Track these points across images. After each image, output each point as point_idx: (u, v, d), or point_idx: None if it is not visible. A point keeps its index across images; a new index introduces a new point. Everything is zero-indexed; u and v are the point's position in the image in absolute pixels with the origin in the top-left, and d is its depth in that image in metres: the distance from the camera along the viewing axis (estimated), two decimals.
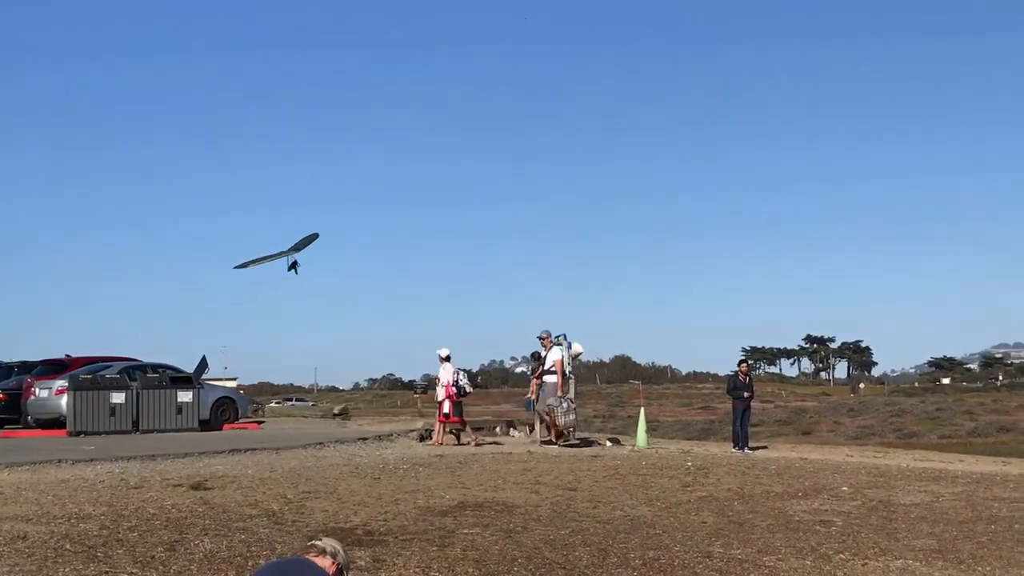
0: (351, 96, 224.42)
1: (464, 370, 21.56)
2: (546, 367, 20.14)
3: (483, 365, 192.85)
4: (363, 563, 8.10)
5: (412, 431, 21.26)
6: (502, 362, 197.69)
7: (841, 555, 8.88)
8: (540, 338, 20.60)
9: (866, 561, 8.65)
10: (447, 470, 14.42)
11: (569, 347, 20.68)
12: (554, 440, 20.19)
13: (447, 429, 20.86)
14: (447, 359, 20.94)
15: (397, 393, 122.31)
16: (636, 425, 22.10)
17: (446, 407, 20.64)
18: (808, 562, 8.56)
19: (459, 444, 20.26)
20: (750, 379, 23.24)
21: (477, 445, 20.26)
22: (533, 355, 21.22)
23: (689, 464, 15.96)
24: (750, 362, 28.53)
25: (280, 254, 27.46)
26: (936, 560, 8.73)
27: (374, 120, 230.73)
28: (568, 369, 20.54)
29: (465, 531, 9.63)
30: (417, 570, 7.96)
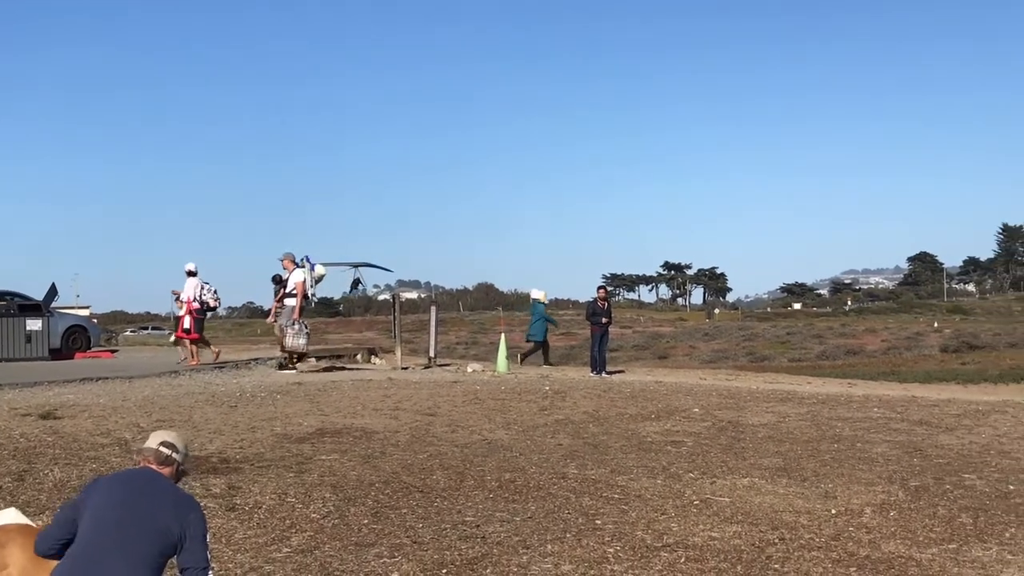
0: None
1: (208, 284, 20.83)
2: (287, 290, 19.69)
3: (345, 293, 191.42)
4: (218, 490, 8.04)
5: (271, 359, 21.00)
6: (365, 289, 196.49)
7: (691, 474, 9.17)
8: (281, 260, 20.02)
9: (714, 479, 8.95)
10: (305, 397, 14.33)
11: (312, 269, 20.04)
12: (290, 364, 19.87)
13: (189, 345, 20.47)
14: (192, 274, 20.37)
15: (257, 321, 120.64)
16: (497, 351, 22.33)
17: (186, 322, 20.24)
18: (659, 481, 8.81)
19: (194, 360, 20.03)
20: (608, 305, 23.64)
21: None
22: (274, 278, 20.54)
23: (547, 388, 16.19)
24: (608, 288, 28.95)
25: (355, 264, 26.94)
26: (781, 478, 9.07)
27: None
28: (311, 292, 20.03)
29: (323, 457, 9.62)
30: (273, 496, 7.94)
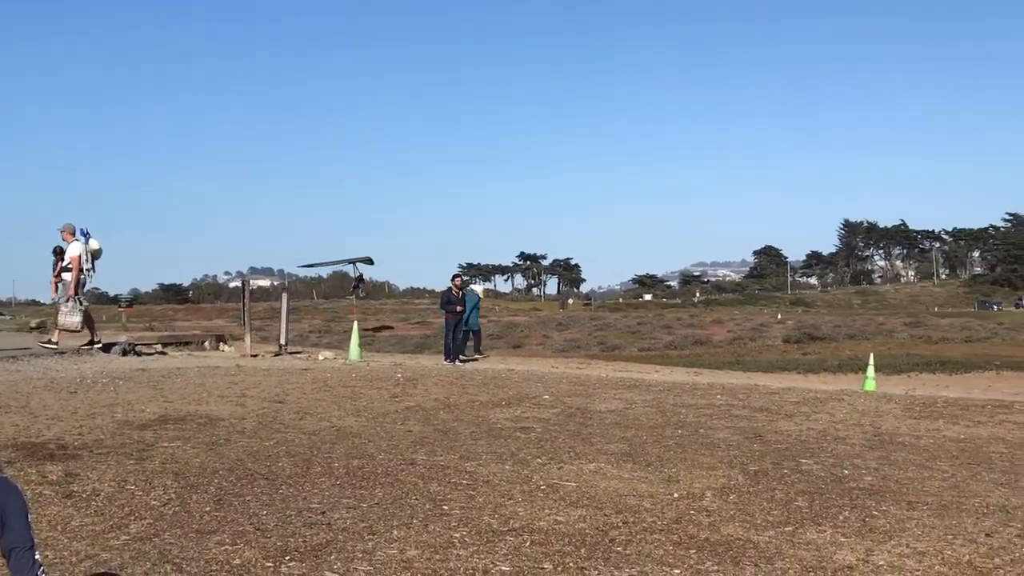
0: None
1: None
2: (64, 263, 19.00)
3: (195, 279, 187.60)
4: (55, 477, 7.76)
5: (115, 345, 20.36)
6: (215, 276, 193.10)
7: (539, 459, 9.24)
8: (61, 231, 19.21)
9: (562, 464, 9.03)
10: (149, 384, 13.95)
11: (86, 242, 19.16)
12: (53, 341, 19.30)
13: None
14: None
15: (102, 307, 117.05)
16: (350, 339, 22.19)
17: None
18: (507, 466, 8.85)
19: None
20: (463, 294, 23.73)
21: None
22: (55, 250, 19.67)
23: (399, 376, 16.13)
24: (464, 277, 29.17)
25: (344, 261, 26.23)
26: (626, 463, 9.21)
27: None
28: (86, 266, 19.18)
29: (165, 444, 9.37)
30: (113, 484, 7.70)
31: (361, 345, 22.28)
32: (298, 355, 22.27)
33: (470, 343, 25.97)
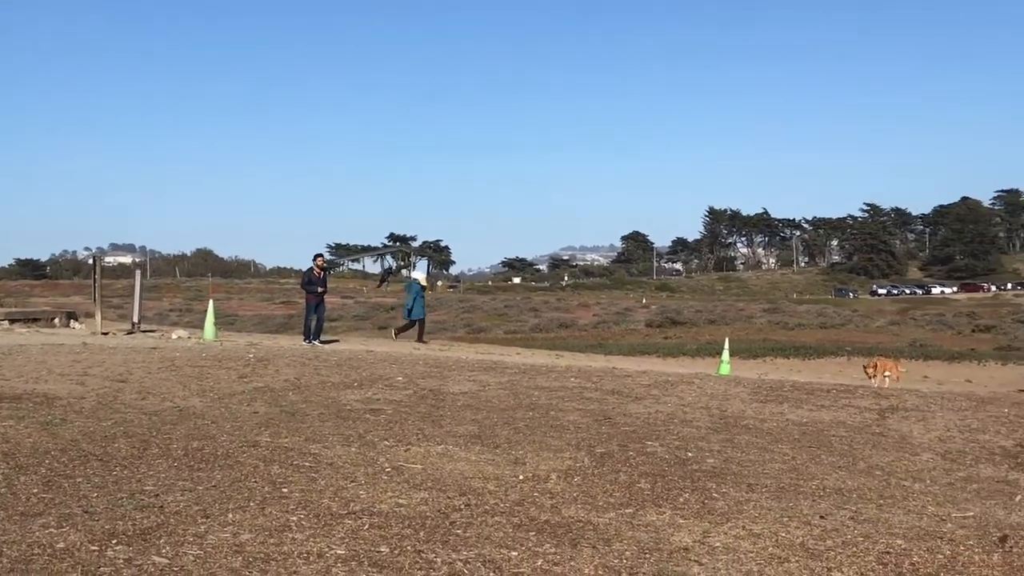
0: None
1: None
2: None
3: (54, 255, 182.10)
4: None
5: None
6: (75, 252, 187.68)
7: (386, 442, 9.13)
8: None
9: (409, 447, 8.94)
10: None
11: None
12: None
13: None
14: None
15: None
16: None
17: None
18: (353, 449, 8.73)
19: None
20: (325, 274, 23.47)
21: None
22: None
23: (251, 356, 15.82)
24: (327, 257, 29.04)
25: (387, 250, 26.03)
26: (474, 445, 9.17)
27: None
28: None
29: None
30: None
31: (217, 324, 21.82)
32: (151, 333, 21.69)
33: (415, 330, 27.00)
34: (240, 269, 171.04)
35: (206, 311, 21.94)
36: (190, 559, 5.50)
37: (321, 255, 24.34)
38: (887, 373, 22.21)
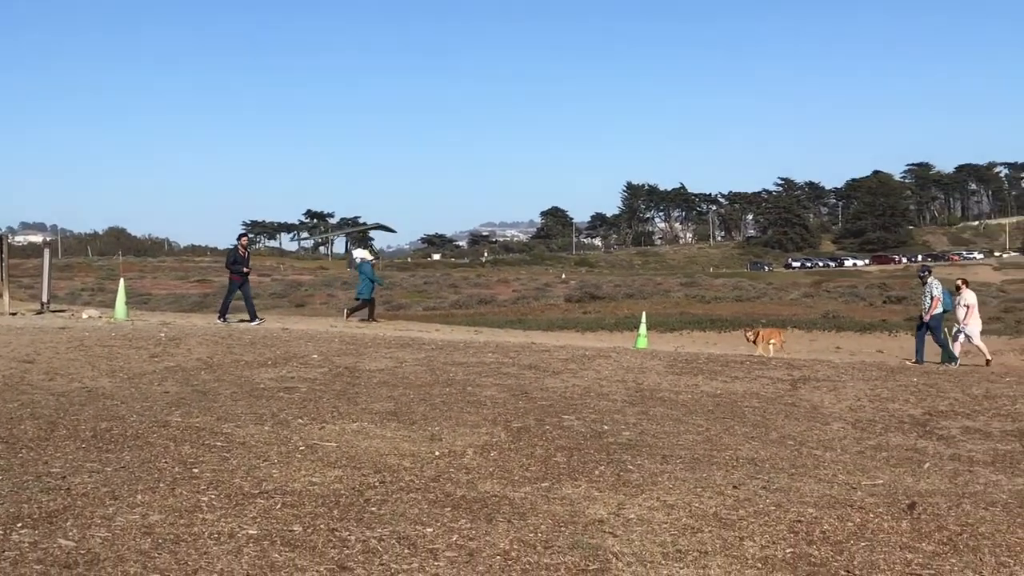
0: None
1: None
2: None
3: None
4: None
5: None
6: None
7: (300, 420, 9.04)
8: None
9: (324, 425, 8.86)
10: None
11: None
12: None
13: None
14: None
15: None
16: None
17: None
18: (267, 427, 8.62)
19: None
20: (248, 253, 23.31)
21: None
22: None
23: (162, 335, 15.56)
24: (250, 236, 28.96)
25: (361, 228, 25.44)
26: (391, 422, 9.12)
27: None
28: None
29: None
30: None
31: (129, 304, 21.45)
32: (61, 313, 21.25)
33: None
34: (154, 247, 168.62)
35: (118, 290, 21.60)
36: (98, 541, 5.39)
37: (245, 234, 24.49)
38: (772, 341, 22.81)
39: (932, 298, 21.35)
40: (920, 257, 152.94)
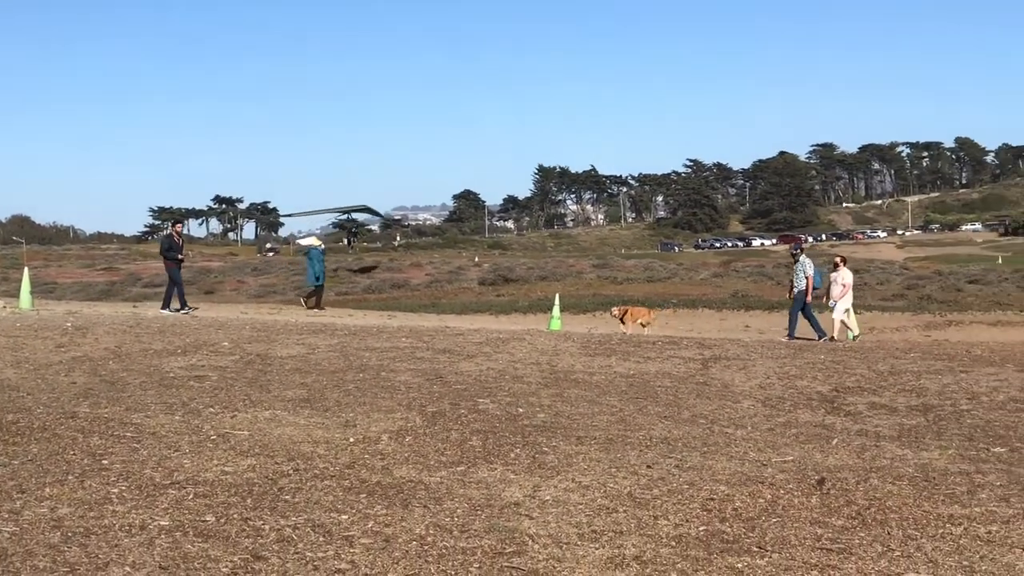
0: None
1: None
2: None
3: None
4: None
5: None
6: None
7: (211, 409, 8.93)
8: None
9: (235, 413, 8.76)
10: None
11: None
12: None
13: None
14: None
15: None
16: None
17: None
18: (177, 417, 8.50)
19: None
20: (183, 240, 23.24)
21: None
22: None
23: (69, 325, 15.25)
24: (184, 222, 29.25)
25: (340, 210, 25.21)
26: (304, 409, 9.05)
27: None
28: None
29: None
30: None
31: (34, 293, 21.01)
32: None
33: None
34: (59, 236, 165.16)
35: (22, 279, 21.17)
36: (5, 536, 5.29)
37: (180, 221, 24.71)
38: (641, 320, 23.30)
39: (806, 277, 21.93)
40: (824, 236, 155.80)
